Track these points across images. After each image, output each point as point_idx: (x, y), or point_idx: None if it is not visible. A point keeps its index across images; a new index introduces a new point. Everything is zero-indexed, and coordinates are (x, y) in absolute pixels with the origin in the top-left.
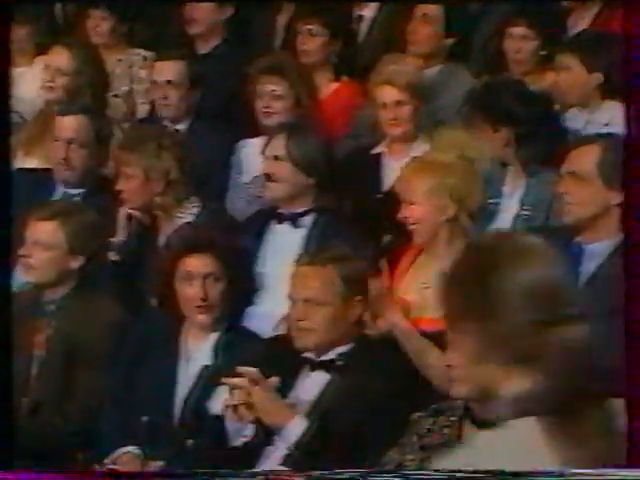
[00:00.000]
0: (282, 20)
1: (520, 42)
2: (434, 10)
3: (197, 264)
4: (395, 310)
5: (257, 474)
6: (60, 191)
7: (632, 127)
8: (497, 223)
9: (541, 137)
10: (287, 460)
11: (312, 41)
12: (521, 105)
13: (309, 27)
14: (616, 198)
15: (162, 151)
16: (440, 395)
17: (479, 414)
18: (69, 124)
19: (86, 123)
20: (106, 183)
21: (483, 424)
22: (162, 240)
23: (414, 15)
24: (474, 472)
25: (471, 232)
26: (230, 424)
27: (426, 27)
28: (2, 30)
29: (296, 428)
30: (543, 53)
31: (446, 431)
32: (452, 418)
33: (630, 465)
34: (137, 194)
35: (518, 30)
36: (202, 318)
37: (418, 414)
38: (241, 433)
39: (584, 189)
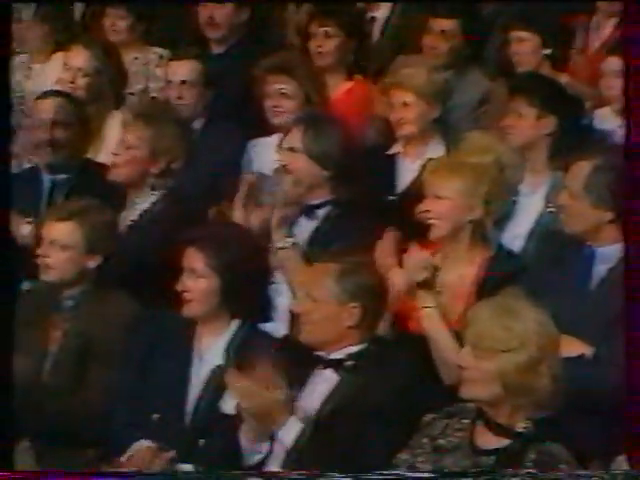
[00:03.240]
0: (297, 21)
1: (519, 43)
2: (451, 25)
3: (186, 257)
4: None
5: (263, 475)
6: (47, 182)
7: (631, 134)
8: (518, 222)
9: (573, 133)
10: (290, 460)
11: (328, 42)
12: (562, 99)
13: (325, 29)
14: (607, 216)
15: None
16: (453, 397)
17: (492, 417)
18: (49, 106)
19: (65, 104)
20: (96, 168)
21: (495, 427)
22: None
23: (432, 29)
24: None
25: (493, 239)
26: (245, 443)
27: (444, 43)
28: (3, 30)
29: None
30: (547, 52)
31: (459, 434)
32: (464, 421)
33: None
34: None
35: (517, 33)
36: (184, 310)
37: (431, 416)
38: (256, 451)
39: (574, 205)
